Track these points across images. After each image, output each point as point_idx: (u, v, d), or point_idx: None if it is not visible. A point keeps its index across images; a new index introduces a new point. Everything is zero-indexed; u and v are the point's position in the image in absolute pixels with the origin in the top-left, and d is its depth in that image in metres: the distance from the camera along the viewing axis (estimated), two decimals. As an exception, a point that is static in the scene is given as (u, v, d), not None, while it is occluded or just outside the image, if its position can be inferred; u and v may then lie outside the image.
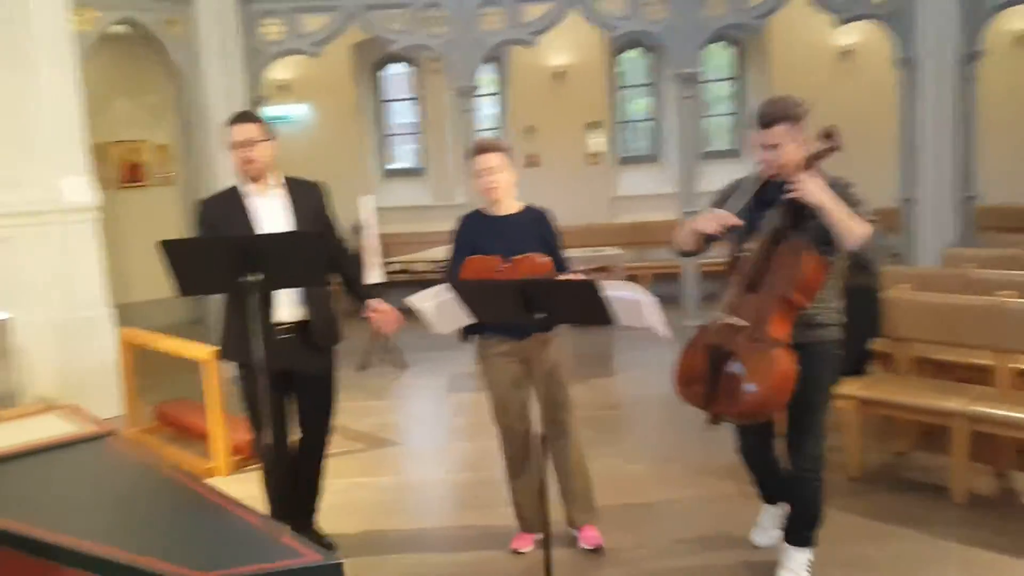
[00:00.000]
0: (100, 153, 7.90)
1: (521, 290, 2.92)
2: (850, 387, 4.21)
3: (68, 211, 5.94)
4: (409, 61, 10.28)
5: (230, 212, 3.60)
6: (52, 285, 5.89)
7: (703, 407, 3.14)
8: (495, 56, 9.88)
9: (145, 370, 5.82)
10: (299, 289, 3.65)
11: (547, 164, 9.98)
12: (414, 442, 5.65)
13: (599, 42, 9.64)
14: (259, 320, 3.51)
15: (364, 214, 6.83)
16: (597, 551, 3.71)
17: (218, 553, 1.89)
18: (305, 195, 3.76)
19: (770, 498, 3.67)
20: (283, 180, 3.71)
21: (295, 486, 3.89)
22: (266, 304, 3.61)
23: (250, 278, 3.05)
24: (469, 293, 2.98)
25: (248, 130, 3.58)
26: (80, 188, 6.07)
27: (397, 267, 7.77)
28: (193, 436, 5.35)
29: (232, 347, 3.74)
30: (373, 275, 6.46)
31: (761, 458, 3.52)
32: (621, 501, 4.21)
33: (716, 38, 8.06)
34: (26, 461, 2.53)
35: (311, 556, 1.83)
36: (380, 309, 3.80)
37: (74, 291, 6.00)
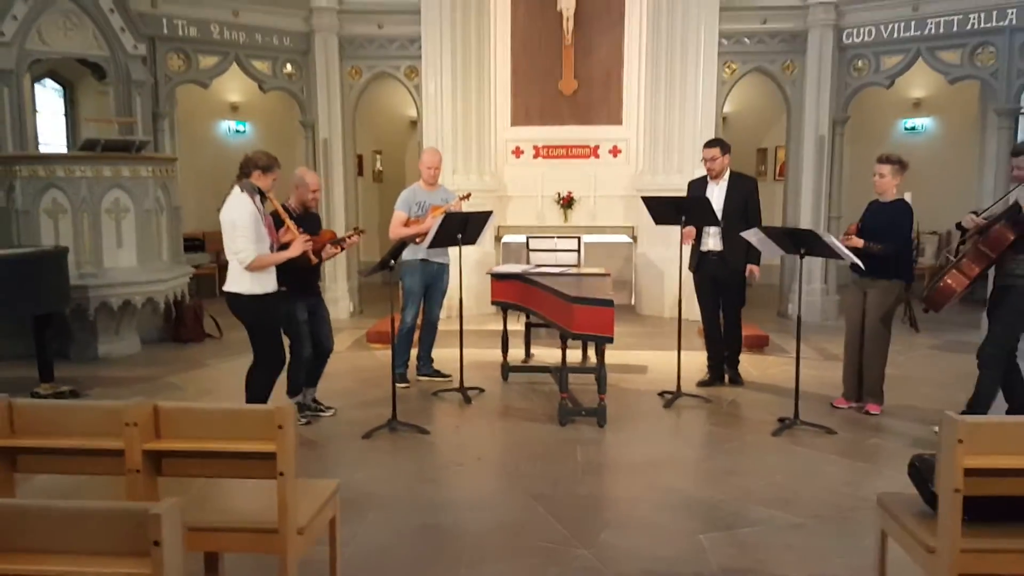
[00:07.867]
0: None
1: (789, 234, 5.35)
2: None
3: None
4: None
5: (700, 189, 6.63)
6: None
7: None
8: None
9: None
10: (719, 232, 6.46)
11: None
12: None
13: None
14: (697, 247, 6.57)
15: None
16: (867, 414, 5.81)
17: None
18: (739, 185, 6.52)
19: None
20: (728, 176, 6.54)
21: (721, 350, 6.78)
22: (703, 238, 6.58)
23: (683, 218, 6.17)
24: (768, 234, 5.50)
25: (712, 152, 6.51)
26: (704, 178, 9.64)
27: None
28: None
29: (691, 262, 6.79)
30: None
31: None
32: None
33: None
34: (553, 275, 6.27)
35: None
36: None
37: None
